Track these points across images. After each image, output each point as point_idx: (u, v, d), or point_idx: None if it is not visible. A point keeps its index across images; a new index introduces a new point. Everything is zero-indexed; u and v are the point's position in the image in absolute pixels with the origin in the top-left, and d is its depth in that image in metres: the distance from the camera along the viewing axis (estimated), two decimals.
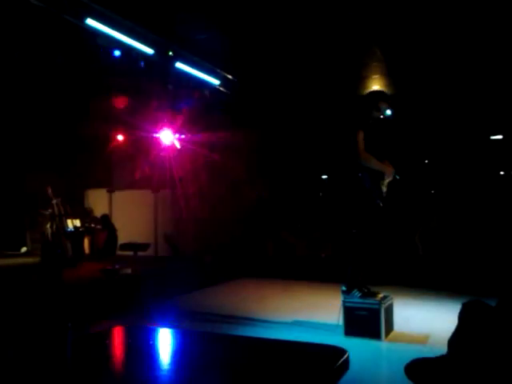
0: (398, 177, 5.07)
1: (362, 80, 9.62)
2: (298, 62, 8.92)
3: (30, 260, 10.44)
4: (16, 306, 5.10)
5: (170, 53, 8.70)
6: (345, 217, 5.28)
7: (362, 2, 7.02)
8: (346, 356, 2.55)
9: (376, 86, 9.80)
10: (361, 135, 4.84)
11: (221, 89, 10.33)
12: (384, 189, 5.03)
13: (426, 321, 5.58)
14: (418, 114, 9.63)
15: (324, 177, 12.72)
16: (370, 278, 5.08)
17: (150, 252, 11.94)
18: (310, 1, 7.12)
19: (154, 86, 9.53)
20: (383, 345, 4.65)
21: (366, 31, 7.79)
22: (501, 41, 7.63)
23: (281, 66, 9.13)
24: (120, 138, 12.68)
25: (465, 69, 8.53)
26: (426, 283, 7.58)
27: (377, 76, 9.47)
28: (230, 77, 10.24)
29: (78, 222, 10.49)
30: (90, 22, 7.26)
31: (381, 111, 5.05)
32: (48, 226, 10.28)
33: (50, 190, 9.85)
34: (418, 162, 11.25)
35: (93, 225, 11.26)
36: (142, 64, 8.49)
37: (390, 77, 9.36)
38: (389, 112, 5.10)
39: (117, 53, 8.02)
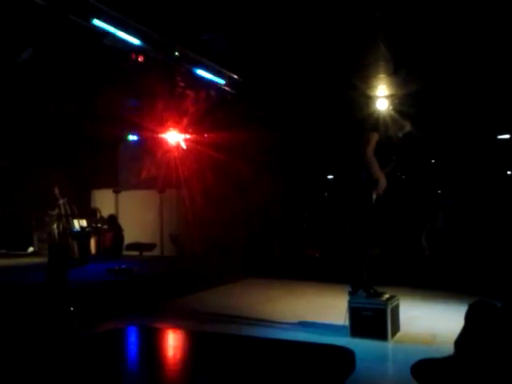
0: (403, 176, 5.11)
1: (370, 79, 9.59)
2: (303, 62, 8.90)
3: (36, 260, 10.48)
4: (23, 307, 5.13)
5: (176, 53, 8.72)
6: (344, 216, 5.31)
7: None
8: (352, 356, 2.55)
9: (383, 85, 9.76)
10: (374, 136, 4.86)
11: (226, 88, 10.34)
12: (373, 196, 5.09)
13: (432, 321, 5.57)
14: (425, 114, 9.59)
15: (330, 177, 12.70)
16: (376, 279, 5.07)
17: (155, 252, 12.00)
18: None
19: (160, 87, 9.55)
20: (389, 345, 4.64)
21: (376, 30, 7.76)
22: (508, 39, 7.58)
23: (287, 65, 9.11)
24: (126, 138, 12.74)
25: (472, 67, 8.48)
26: (432, 284, 7.55)
27: (384, 76, 9.45)
28: (235, 76, 10.25)
29: (84, 223, 10.52)
30: (97, 22, 7.30)
31: (400, 132, 5.10)
32: (55, 226, 10.32)
33: (56, 191, 9.89)
34: (424, 161, 11.20)
35: (99, 225, 11.30)
36: (149, 64, 8.52)
37: (396, 76, 9.32)
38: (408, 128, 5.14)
39: (124, 53, 8.04)
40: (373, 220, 5.01)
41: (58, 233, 10.09)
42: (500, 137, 10.70)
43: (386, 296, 4.92)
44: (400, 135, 5.14)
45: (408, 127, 5.13)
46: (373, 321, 4.73)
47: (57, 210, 10.15)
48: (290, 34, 8.04)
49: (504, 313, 3.16)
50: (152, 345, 3.23)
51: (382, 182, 5.03)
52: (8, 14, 6.70)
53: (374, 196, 5.08)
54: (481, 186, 10.19)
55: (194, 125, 11.44)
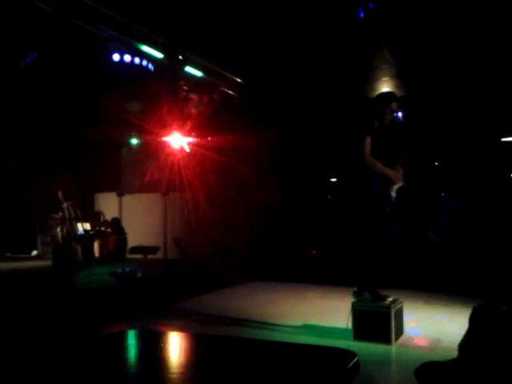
0: (406, 179, 5.07)
1: (372, 82, 9.60)
2: (307, 65, 8.93)
3: (40, 263, 10.51)
4: (27, 309, 5.15)
5: (180, 56, 8.76)
6: (352, 220, 5.26)
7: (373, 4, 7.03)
8: (355, 359, 2.55)
9: (385, 88, 9.78)
10: (368, 140, 4.82)
11: (230, 92, 10.38)
12: (393, 194, 5.02)
13: (436, 324, 5.55)
14: (428, 116, 9.58)
15: (333, 180, 12.69)
16: (379, 282, 5.05)
17: (159, 255, 12.00)
18: (320, 4, 7.14)
19: (163, 90, 9.60)
20: (393, 349, 4.63)
21: (376, 33, 7.78)
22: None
23: (290, 68, 9.14)
24: (129, 141, 12.78)
25: (475, 69, 8.48)
26: (436, 286, 7.53)
27: (386, 79, 9.46)
28: (238, 80, 10.29)
29: (88, 226, 10.56)
30: (101, 27, 7.35)
31: (393, 113, 5.01)
32: (58, 229, 10.36)
33: (60, 194, 9.93)
34: (427, 164, 11.18)
35: (103, 228, 11.33)
36: (152, 68, 8.56)
37: (399, 78, 9.33)
38: (399, 114, 5.06)
39: (127, 57, 8.09)
40: (391, 219, 4.96)
41: (62, 236, 10.12)
42: (504, 139, 10.68)
43: (390, 299, 4.91)
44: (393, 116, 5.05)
45: (395, 106, 5.05)
46: (376, 324, 4.72)
47: (60, 214, 10.19)
48: (293, 38, 8.07)
49: (509, 316, 3.15)
50: (155, 348, 3.22)
51: (393, 175, 4.97)
52: (12, 18, 6.75)
53: (394, 194, 5.03)
54: (484, 189, 10.16)
55: (198, 128, 11.47)
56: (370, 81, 9.57)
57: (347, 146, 5.11)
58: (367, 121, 4.98)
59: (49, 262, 9.67)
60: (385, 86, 9.70)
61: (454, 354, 3.26)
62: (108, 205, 12.92)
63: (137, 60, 8.27)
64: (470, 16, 7.09)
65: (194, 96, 10.77)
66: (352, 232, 5.32)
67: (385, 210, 4.94)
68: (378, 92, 9.18)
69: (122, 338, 3.50)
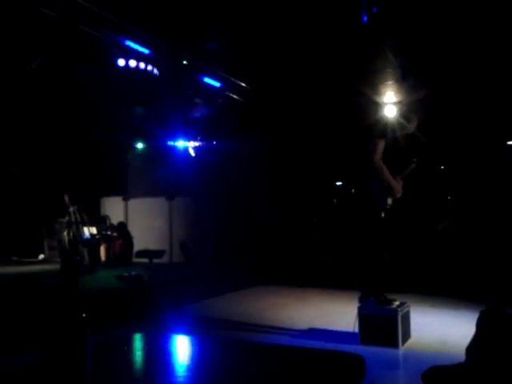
0: (413, 182, 5.11)
1: (375, 86, 9.59)
2: (312, 69, 8.94)
3: (47, 267, 10.56)
4: (34, 313, 5.17)
5: (185, 62, 8.80)
6: (356, 223, 5.29)
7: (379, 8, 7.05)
8: (362, 363, 2.55)
9: (390, 91, 9.76)
10: (381, 144, 4.86)
11: (234, 97, 10.40)
12: (389, 201, 5.07)
13: (443, 328, 5.53)
14: (433, 120, 9.57)
15: (338, 183, 12.69)
16: (386, 286, 5.05)
17: (164, 259, 12.02)
18: (324, 8, 7.16)
19: (169, 95, 9.63)
20: (400, 352, 4.61)
21: (382, 37, 7.79)
22: None
23: (294, 73, 9.15)
24: (135, 146, 12.84)
25: (480, 73, 8.46)
26: (443, 290, 7.51)
27: (390, 82, 9.44)
28: (243, 84, 10.31)
29: (94, 230, 10.60)
30: (106, 32, 7.40)
31: (414, 125, 5.09)
32: (65, 233, 10.41)
33: (67, 198, 9.99)
34: (433, 167, 11.16)
35: (109, 232, 11.36)
36: (157, 73, 8.60)
37: (403, 82, 9.32)
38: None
39: (132, 62, 8.13)
40: (388, 226, 4.99)
41: (69, 240, 10.17)
42: (510, 142, 10.65)
43: (397, 303, 4.90)
44: (412, 130, 5.13)
45: (415, 121, 5.13)
46: (383, 328, 4.71)
47: (67, 218, 10.24)
48: (298, 42, 8.09)
49: None
50: (162, 351, 3.24)
51: (396, 186, 5.01)
52: (18, 24, 6.82)
53: (390, 201, 5.06)
54: (490, 193, 10.13)
55: (203, 132, 11.50)
56: (374, 84, 9.56)
57: (356, 148, 5.15)
58: (384, 126, 5.04)
59: (55, 266, 9.71)
60: (389, 90, 9.68)
61: (462, 357, 3.25)
62: (114, 209, 12.97)
63: (142, 65, 8.30)
64: (474, 20, 7.09)
65: (198, 101, 10.81)
66: (356, 235, 5.34)
67: (379, 214, 4.97)
68: (382, 95, 9.20)
69: (128, 342, 3.52)
